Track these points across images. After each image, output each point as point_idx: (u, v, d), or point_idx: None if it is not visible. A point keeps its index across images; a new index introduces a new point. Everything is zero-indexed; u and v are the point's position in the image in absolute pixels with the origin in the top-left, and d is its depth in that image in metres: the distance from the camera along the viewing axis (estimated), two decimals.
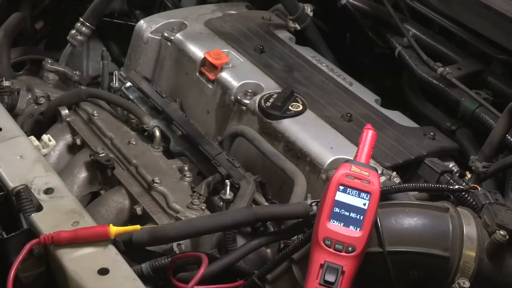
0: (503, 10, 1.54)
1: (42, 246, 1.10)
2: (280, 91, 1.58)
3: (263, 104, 1.55)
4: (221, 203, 1.37)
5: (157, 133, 1.53)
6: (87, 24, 1.81)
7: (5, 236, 1.12)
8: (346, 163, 1.08)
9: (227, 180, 1.39)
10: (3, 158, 1.24)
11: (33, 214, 1.13)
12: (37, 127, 1.67)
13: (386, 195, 1.23)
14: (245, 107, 1.59)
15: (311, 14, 1.91)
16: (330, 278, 1.02)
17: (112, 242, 1.10)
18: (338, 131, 1.51)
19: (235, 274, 1.28)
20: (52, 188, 1.18)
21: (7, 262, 1.12)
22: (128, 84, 1.72)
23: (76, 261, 1.05)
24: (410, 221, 1.12)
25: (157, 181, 1.40)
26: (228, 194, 1.37)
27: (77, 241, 1.08)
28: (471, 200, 1.27)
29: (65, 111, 1.59)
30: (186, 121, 1.59)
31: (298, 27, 1.89)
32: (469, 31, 1.75)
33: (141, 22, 1.85)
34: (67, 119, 1.59)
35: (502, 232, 1.07)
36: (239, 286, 1.21)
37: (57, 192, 1.18)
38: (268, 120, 1.53)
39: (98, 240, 1.08)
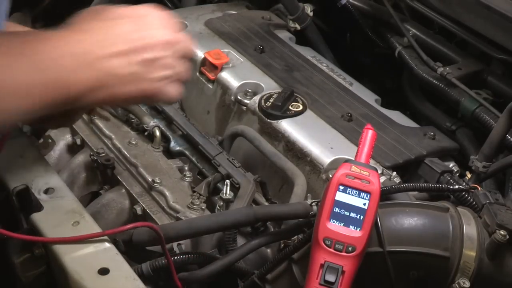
0: (503, 10, 1.54)
1: (42, 246, 1.10)
2: (280, 91, 1.59)
3: (263, 104, 1.55)
4: (221, 203, 1.37)
5: (157, 133, 1.53)
6: None
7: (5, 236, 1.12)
8: (346, 163, 1.08)
9: (227, 180, 1.39)
10: (3, 158, 1.24)
11: (33, 214, 1.13)
12: None
13: (386, 195, 1.23)
14: (245, 107, 1.59)
15: (311, 14, 1.90)
16: (330, 278, 1.02)
17: (112, 242, 1.11)
18: (338, 131, 1.51)
19: (235, 274, 1.28)
20: (52, 188, 1.18)
21: (7, 262, 1.12)
22: None
23: (77, 261, 1.05)
24: (410, 221, 1.12)
25: (157, 181, 1.40)
26: (228, 194, 1.37)
27: None
28: (471, 200, 1.27)
29: None
30: (186, 121, 1.59)
31: (298, 27, 1.89)
32: (469, 31, 1.74)
33: None
34: None
35: (502, 232, 1.07)
36: None
37: (57, 192, 1.18)
38: (268, 120, 1.53)
39: None
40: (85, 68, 0.93)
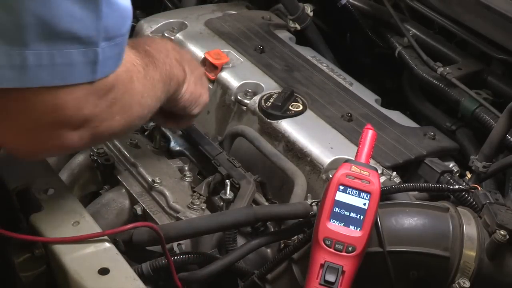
0: (503, 10, 1.54)
1: (42, 246, 1.10)
2: (280, 91, 1.59)
3: (263, 104, 1.55)
4: (221, 203, 1.37)
5: (157, 133, 1.53)
6: None
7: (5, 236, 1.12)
8: (346, 163, 1.08)
9: (227, 180, 1.39)
10: (3, 158, 1.24)
11: (33, 214, 1.13)
12: None
13: (386, 195, 1.23)
14: (245, 107, 1.59)
15: (311, 14, 1.90)
16: (330, 278, 1.02)
17: (112, 242, 1.11)
18: (338, 131, 1.51)
19: (235, 274, 1.28)
20: (52, 188, 1.18)
21: (7, 262, 1.12)
22: None
23: (77, 261, 1.05)
24: (410, 221, 1.12)
25: (157, 181, 1.40)
26: (228, 194, 1.37)
27: None
28: (471, 200, 1.27)
29: None
30: None
31: (298, 27, 1.89)
32: (469, 31, 1.74)
33: (141, 22, 1.84)
34: None
35: (502, 232, 1.07)
36: None
37: (57, 192, 1.18)
38: (268, 120, 1.53)
39: None
40: (178, 65, 1.20)
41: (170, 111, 1.30)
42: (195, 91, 1.28)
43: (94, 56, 0.88)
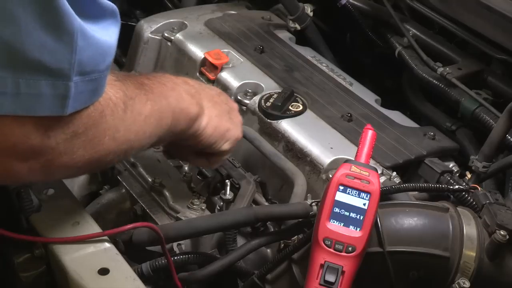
0: (503, 10, 1.54)
1: (42, 246, 1.10)
2: (280, 91, 1.59)
3: (263, 104, 1.55)
4: (221, 203, 1.37)
5: None
6: None
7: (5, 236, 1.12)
8: (346, 163, 1.08)
9: (227, 180, 1.39)
10: None
11: (33, 214, 1.13)
12: None
13: (386, 195, 1.23)
14: (245, 107, 1.59)
15: (311, 14, 1.90)
16: (330, 278, 1.02)
17: (112, 242, 1.11)
18: (338, 131, 1.51)
19: (235, 274, 1.28)
20: (52, 188, 1.18)
21: (7, 262, 1.12)
22: None
23: (77, 261, 1.05)
24: (410, 221, 1.12)
25: (157, 181, 1.40)
26: (228, 194, 1.37)
27: None
28: (471, 200, 1.27)
29: None
30: None
31: (298, 27, 1.89)
32: (469, 31, 1.74)
33: (141, 22, 1.84)
34: None
35: (502, 232, 1.07)
36: None
37: (57, 192, 1.18)
38: (268, 120, 1.53)
39: None
40: (190, 99, 1.18)
41: (200, 149, 1.26)
42: (220, 126, 1.24)
43: (64, 89, 0.84)
